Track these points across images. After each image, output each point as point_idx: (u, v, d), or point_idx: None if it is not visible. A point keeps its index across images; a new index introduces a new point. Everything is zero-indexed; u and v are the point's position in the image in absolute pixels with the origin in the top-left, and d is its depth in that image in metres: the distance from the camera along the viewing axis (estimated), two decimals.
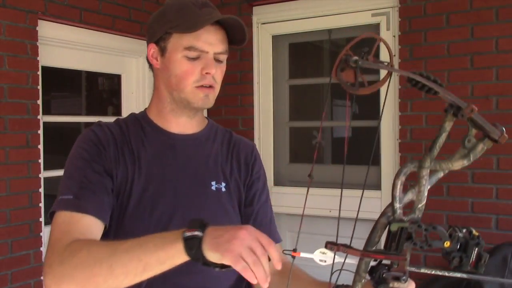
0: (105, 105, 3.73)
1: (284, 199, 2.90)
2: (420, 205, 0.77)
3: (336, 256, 0.81)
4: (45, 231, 2.67)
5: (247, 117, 3.33)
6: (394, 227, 0.77)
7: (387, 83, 0.77)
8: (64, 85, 3.64)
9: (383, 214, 0.79)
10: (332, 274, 0.82)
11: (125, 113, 3.27)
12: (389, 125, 2.91)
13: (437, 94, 0.73)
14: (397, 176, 0.76)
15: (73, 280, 0.94)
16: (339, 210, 0.83)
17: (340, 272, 0.82)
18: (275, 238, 1.31)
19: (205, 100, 1.19)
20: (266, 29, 3.33)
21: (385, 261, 0.80)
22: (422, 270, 0.79)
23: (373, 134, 3.01)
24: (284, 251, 0.88)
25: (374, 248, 0.79)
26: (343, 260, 0.81)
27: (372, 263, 0.80)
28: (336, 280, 0.82)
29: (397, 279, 0.79)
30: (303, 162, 3.31)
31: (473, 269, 0.75)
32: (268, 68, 3.34)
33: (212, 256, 0.85)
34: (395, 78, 2.87)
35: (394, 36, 2.89)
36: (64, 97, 3.86)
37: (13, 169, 2.50)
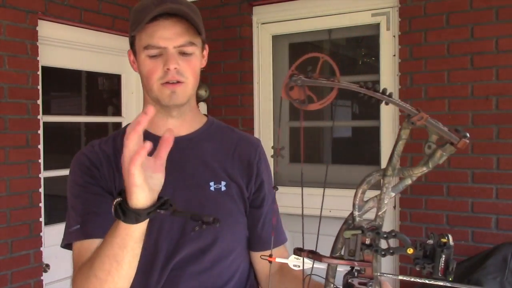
0: (105, 105, 3.72)
1: (284, 199, 2.91)
2: (380, 212, 0.78)
3: (308, 262, 0.83)
4: (45, 231, 2.67)
5: (247, 117, 3.33)
6: (347, 234, 0.79)
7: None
8: (64, 85, 3.64)
9: (345, 222, 0.81)
10: (304, 279, 0.84)
11: (125, 113, 3.27)
12: (389, 125, 2.91)
13: (388, 104, 0.75)
14: (359, 184, 0.80)
15: None
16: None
17: (310, 277, 0.84)
18: (281, 239, 1.31)
19: (172, 97, 1.15)
20: (266, 29, 3.33)
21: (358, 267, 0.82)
22: (400, 277, 0.81)
23: (374, 134, 3.01)
24: (261, 256, 0.92)
25: (337, 254, 0.81)
26: (318, 265, 0.83)
27: (341, 269, 0.82)
28: (308, 284, 0.85)
29: (365, 284, 0.80)
30: (303, 162, 3.31)
31: (442, 277, 0.75)
32: (268, 68, 3.34)
33: (135, 200, 0.85)
34: (395, 77, 2.87)
35: (394, 36, 2.89)
36: (64, 97, 3.86)
37: (13, 169, 2.50)
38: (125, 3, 3.09)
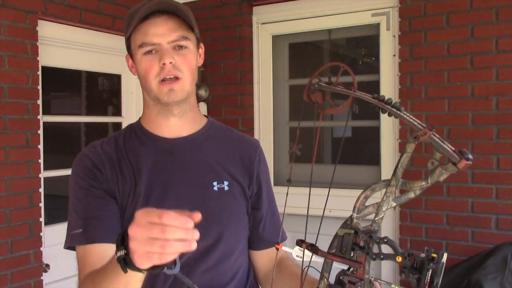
0: (105, 105, 3.72)
1: (284, 199, 2.89)
2: (377, 218, 0.81)
3: (309, 254, 0.89)
4: (45, 231, 2.67)
5: (247, 117, 3.33)
6: (341, 232, 0.84)
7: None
8: (64, 85, 3.64)
9: (344, 222, 0.86)
10: (302, 269, 0.90)
11: (125, 113, 3.27)
12: (389, 125, 2.91)
13: (397, 117, 0.78)
14: (364, 189, 0.84)
15: None
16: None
17: (307, 268, 0.89)
18: (283, 237, 1.31)
19: (171, 94, 1.16)
20: (266, 29, 3.33)
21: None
22: (392, 286, 0.83)
23: (374, 134, 3.01)
24: (270, 243, 0.99)
25: (333, 251, 0.85)
26: (317, 259, 0.87)
27: (339, 267, 0.86)
28: (305, 275, 0.90)
29: (353, 283, 0.84)
30: (303, 162, 3.31)
31: None
32: (268, 68, 3.34)
33: (138, 266, 0.80)
34: (395, 78, 2.87)
35: (394, 36, 2.89)
36: (64, 97, 3.86)
37: (13, 169, 2.50)
38: (125, 3, 3.08)
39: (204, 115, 1.34)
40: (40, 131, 2.63)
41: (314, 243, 0.89)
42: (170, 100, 1.17)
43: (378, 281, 0.87)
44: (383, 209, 0.81)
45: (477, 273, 2.22)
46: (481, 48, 2.60)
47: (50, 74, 2.82)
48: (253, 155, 1.30)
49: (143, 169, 1.18)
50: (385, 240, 0.80)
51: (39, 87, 2.63)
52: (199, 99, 3.30)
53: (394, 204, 0.80)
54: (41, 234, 2.62)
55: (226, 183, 1.22)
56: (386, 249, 0.85)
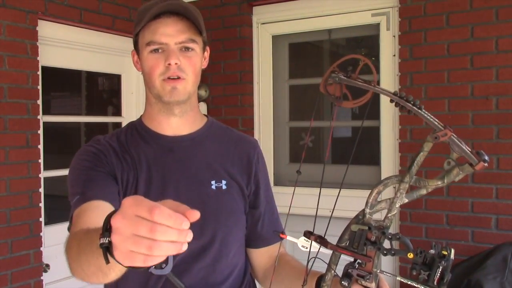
0: (105, 105, 3.72)
1: (284, 199, 2.91)
2: (390, 214, 0.83)
3: (316, 245, 0.89)
4: (45, 231, 2.67)
5: (247, 117, 3.33)
6: (355, 228, 0.84)
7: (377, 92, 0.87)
8: (64, 85, 3.64)
9: (355, 217, 0.86)
10: (308, 260, 0.90)
11: (125, 113, 3.27)
12: (389, 125, 2.91)
13: (417, 116, 0.79)
14: (376, 184, 0.84)
15: (76, 273, 0.92)
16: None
17: (314, 259, 0.90)
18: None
19: (173, 92, 1.17)
20: (266, 29, 3.33)
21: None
22: (398, 278, 0.84)
23: (374, 134, 3.01)
24: (274, 232, 1.00)
25: (343, 244, 0.86)
26: (324, 250, 0.89)
27: (346, 259, 0.88)
28: (311, 266, 0.91)
29: (362, 277, 0.85)
30: (304, 162, 3.30)
31: (435, 286, 0.79)
32: (268, 68, 3.34)
33: (120, 262, 0.68)
34: (395, 78, 2.87)
35: (394, 36, 2.89)
36: (64, 97, 3.86)
37: (13, 169, 2.50)
38: (125, 3, 3.09)
39: (204, 115, 1.36)
40: (40, 131, 2.63)
41: (323, 236, 0.89)
42: (171, 99, 1.18)
43: (384, 273, 0.87)
44: (397, 205, 0.81)
45: (477, 273, 2.22)
46: (481, 48, 2.59)
47: (50, 74, 2.82)
48: (252, 154, 1.32)
49: (144, 164, 1.20)
50: (398, 236, 0.81)
51: (39, 87, 2.63)
52: (199, 99, 3.30)
53: (407, 200, 0.81)
54: (41, 234, 2.62)
55: (224, 182, 1.24)
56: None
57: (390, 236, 0.81)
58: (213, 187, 1.23)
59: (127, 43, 3.10)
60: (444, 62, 2.69)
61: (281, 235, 0.93)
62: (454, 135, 0.76)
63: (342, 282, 0.86)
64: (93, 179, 1.13)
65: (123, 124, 3.21)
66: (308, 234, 0.90)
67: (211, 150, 1.28)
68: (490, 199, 2.58)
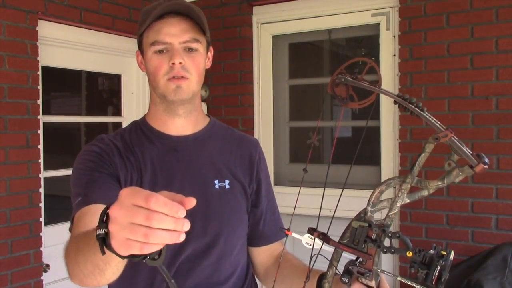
0: (105, 105, 3.72)
1: (284, 199, 2.91)
2: (391, 213, 0.84)
3: (319, 243, 0.91)
4: (45, 231, 2.67)
5: (247, 117, 3.33)
6: (355, 224, 0.86)
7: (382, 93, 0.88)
8: (64, 85, 3.64)
9: (357, 215, 0.88)
10: (311, 257, 0.92)
11: (125, 113, 3.27)
12: (389, 125, 2.91)
13: (420, 117, 0.81)
14: (379, 184, 0.85)
15: (74, 275, 0.94)
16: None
17: (317, 256, 0.92)
18: (283, 234, 1.35)
19: (177, 91, 1.19)
20: (266, 29, 3.33)
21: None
22: (399, 278, 0.86)
23: (374, 134, 3.01)
24: (280, 228, 1.00)
25: (345, 241, 0.88)
26: (326, 248, 0.90)
27: (348, 257, 0.89)
28: (314, 262, 0.93)
29: (362, 274, 0.87)
30: (303, 162, 3.30)
31: (433, 285, 0.80)
32: (268, 68, 3.34)
33: (116, 251, 0.69)
34: (395, 78, 2.87)
35: (394, 36, 2.89)
36: (64, 97, 3.86)
37: (13, 169, 2.50)
38: (125, 3, 3.08)
39: (207, 115, 1.37)
40: (40, 131, 2.63)
41: (326, 233, 0.91)
42: (176, 98, 1.19)
43: (385, 272, 0.89)
44: (398, 204, 0.83)
45: (477, 273, 2.22)
46: (481, 48, 2.60)
47: (50, 74, 2.82)
48: (254, 154, 1.34)
49: (148, 164, 1.21)
50: (398, 235, 0.83)
51: (39, 87, 2.63)
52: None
53: (408, 200, 0.82)
54: (41, 234, 2.62)
55: (227, 181, 1.26)
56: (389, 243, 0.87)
57: (390, 234, 0.83)
58: (217, 186, 1.24)
59: (127, 43, 3.11)
60: (444, 62, 2.69)
61: (286, 232, 0.94)
62: (455, 137, 0.77)
63: (343, 278, 0.88)
64: (95, 181, 1.14)
65: (123, 124, 3.22)
66: (311, 231, 0.92)
67: (214, 150, 1.29)
68: (490, 199, 2.58)
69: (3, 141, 2.46)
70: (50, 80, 2.88)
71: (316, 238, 0.91)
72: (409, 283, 0.82)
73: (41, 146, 2.63)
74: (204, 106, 3.38)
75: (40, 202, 2.62)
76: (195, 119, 1.29)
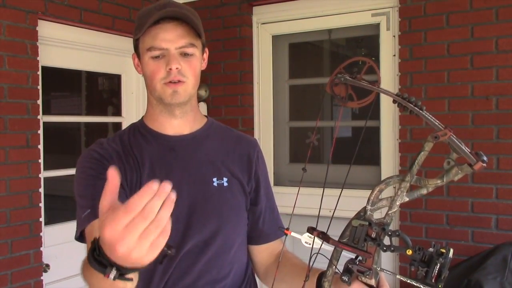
0: (105, 105, 3.72)
1: (284, 199, 2.91)
2: (390, 212, 0.85)
3: (318, 242, 0.92)
4: (45, 231, 2.67)
5: (247, 117, 3.33)
6: (356, 223, 0.87)
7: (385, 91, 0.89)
8: (64, 85, 3.64)
9: (357, 214, 0.88)
10: (311, 255, 0.93)
11: (125, 113, 3.27)
12: (389, 125, 2.91)
13: (418, 116, 0.81)
14: (379, 183, 0.86)
15: None
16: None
17: (316, 254, 0.93)
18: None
19: (174, 95, 1.21)
20: (266, 29, 3.33)
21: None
22: (398, 277, 0.86)
23: (374, 134, 3.01)
24: (279, 228, 1.01)
25: (345, 240, 0.89)
26: (326, 246, 0.91)
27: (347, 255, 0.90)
28: (314, 261, 0.94)
29: (362, 273, 0.88)
30: (303, 162, 3.29)
31: (433, 283, 0.81)
32: (268, 68, 3.34)
33: (144, 264, 0.71)
34: (395, 78, 2.87)
35: (394, 36, 2.89)
36: (64, 97, 3.86)
37: (13, 169, 2.50)
38: (125, 3, 3.09)
39: (204, 115, 1.39)
40: (40, 131, 2.63)
41: (325, 232, 0.91)
42: (172, 102, 1.21)
43: (384, 271, 0.89)
44: (397, 203, 0.83)
45: (477, 273, 2.22)
46: (481, 48, 2.60)
47: (50, 74, 2.82)
48: (252, 153, 1.35)
49: (146, 164, 1.23)
50: (397, 233, 0.83)
51: (39, 87, 2.63)
52: (199, 99, 3.30)
53: (407, 199, 0.83)
54: (41, 234, 2.61)
55: (225, 179, 1.27)
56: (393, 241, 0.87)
57: (389, 233, 0.84)
58: (215, 184, 1.26)
59: (127, 43, 3.10)
60: (444, 62, 2.69)
61: (285, 231, 0.95)
62: (454, 136, 0.78)
63: (343, 277, 0.88)
64: (101, 189, 1.14)
65: (123, 124, 3.22)
66: (311, 230, 0.92)
67: (212, 148, 1.31)
68: (490, 199, 2.58)
69: (3, 141, 2.46)
70: (50, 80, 2.88)
71: (315, 237, 0.91)
72: (408, 281, 0.83)
73: (41, 146, 2.63)
74: (204, 106, 3.38)
75: (40, 202, 2.62)
76: (192, 119, 1.31)
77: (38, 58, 2.61)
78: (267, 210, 1.36)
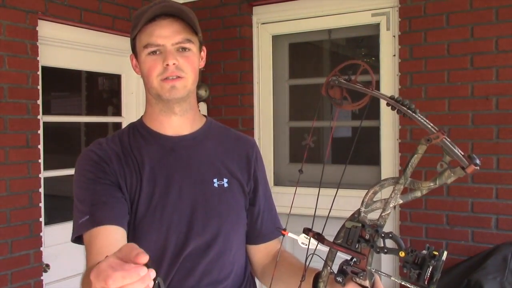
0: (105, 105, 3.73)
1: (284, 199, 2.91)
2: (384, 214, 0.86)
3: (314, 242, 0.93)
4: (45, 231, 2.67)
5: (247, 117, 3.33)
6: (349, 224, 0.88)
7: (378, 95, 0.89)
8: (64, 85, 3.64)
9: (351, 215, 0.89)
10: (307, 256, 0.94)
11: (125, 113, 3.27)
12: (389, 125, 2.91)
13: (412, 119, 0.82)
14: (373, 185, 0.87)
15: None
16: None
17: (312, 255, 0.93)
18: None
19: (172, 91, 1.20)
20: (266, 29, 3.33)
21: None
22: (392, 278, 0.87)
23: (374, 134, 3.01)
24: (277, 228, 1.04)
25: (339, 241, 0.90)
26: (321, 247, 0.92)
27: (343, 257, 0.91)
28: (309, 262, 0.94)
29: (356, 274, 0.88)
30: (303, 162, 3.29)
31: (425, 285, 0.81)
32: (268, 68, 3.34)
33: None
34: (395, 78, 2.87)
35: (394, 36, 2.89)
36: (64, 97, 3.86)
37: (13, 169, 2.50)
38: (125, 3, 3.09)
39: (203, 115, 1.38)
40: (40, 131, 2.63)
41: (321, 233, 0.92)
42: (171, 97, 1.20)
43: (379, 272, 0.90)
44: (391, 205, 0.84)
45: (477, 273, 2.22)
46: (481, 48, 2.60)
47: (50, 74, 2.82)
48: (250, 152, 1.35)
49: (146, 166, 1.22)
50: (390, 235, 0.84)
51: (39, 87, 2.63)
52: (199, 99, 3.30)
53: (401, 201, 0.83)
54: (41, 234, 2.61)
55: (225, 180, 1.27)
56: (389, 243, 0.88)
57: (383, 235, 0.84)
58: (215, 185, 1.25)
59: (127, 43, 3.07)
60: (444, 62, 2.69)
61: (282, 232, 0.96)
62: (447, 138, 0.78)
63: (337, 278, 0.89)
64: (100, 196, 1.14)
65: (123, 124, 3.22)
66: (307, 231, 0.93)
67: (212, 148, 1.30)
68: (490, 199, 2.58)
69: (3, 141, 2.46)
70: (50, 80, 2.88)
71: (311, 238, 0.92)
72: (402, 282, 0.83)
73: (41, 146, 2.63)
74: (204, 106, 3.38)
75: (40, 202, 2.62)
76: (191, 118, 1.30)
77: (38, 58, 2.61)
78: (266, 210, 1.36)
